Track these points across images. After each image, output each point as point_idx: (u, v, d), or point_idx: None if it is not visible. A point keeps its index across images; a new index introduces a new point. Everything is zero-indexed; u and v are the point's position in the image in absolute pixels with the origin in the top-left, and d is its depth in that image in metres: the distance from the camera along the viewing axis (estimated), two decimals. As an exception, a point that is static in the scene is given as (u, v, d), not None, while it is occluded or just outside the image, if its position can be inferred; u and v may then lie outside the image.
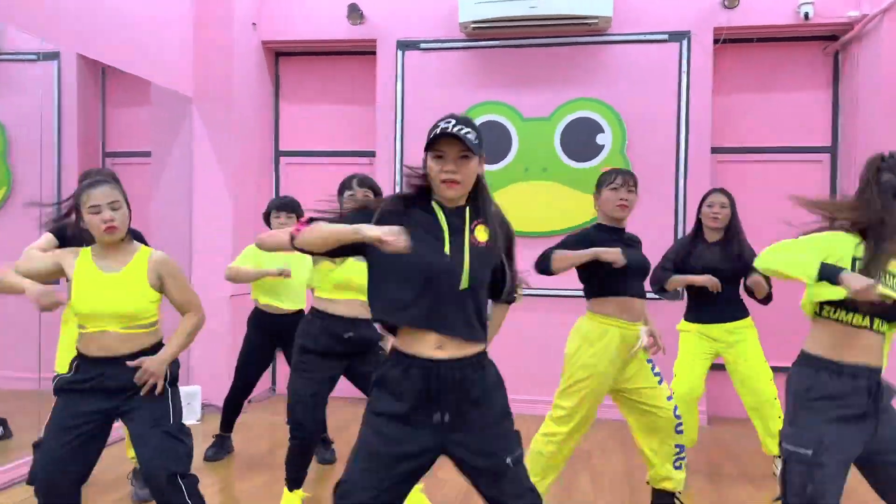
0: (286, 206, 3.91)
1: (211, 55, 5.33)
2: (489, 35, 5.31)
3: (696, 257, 3.75)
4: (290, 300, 4.02)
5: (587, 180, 5.21)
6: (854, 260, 2.06)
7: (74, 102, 5.92)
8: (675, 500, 3.15)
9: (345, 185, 3.15)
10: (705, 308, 3.76)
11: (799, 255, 2.06)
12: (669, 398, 3.04)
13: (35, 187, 5.60)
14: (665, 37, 5.18)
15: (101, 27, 4.45)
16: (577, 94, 5.27)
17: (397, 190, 5.29)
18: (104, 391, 2.39)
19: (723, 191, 3.83)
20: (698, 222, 3.87)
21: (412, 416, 1.87)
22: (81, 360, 2.44)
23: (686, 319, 3.89)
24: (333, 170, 5.67)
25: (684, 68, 5.16)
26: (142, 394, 2.40)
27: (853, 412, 2.07)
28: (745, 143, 5.36)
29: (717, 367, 3.92)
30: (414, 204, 1.99)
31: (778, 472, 3.30)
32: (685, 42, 5.15)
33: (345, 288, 3.11)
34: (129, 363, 2.39)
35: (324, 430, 3.48)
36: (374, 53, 5.61)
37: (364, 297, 2.75)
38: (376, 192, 3.14)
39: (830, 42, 5.24)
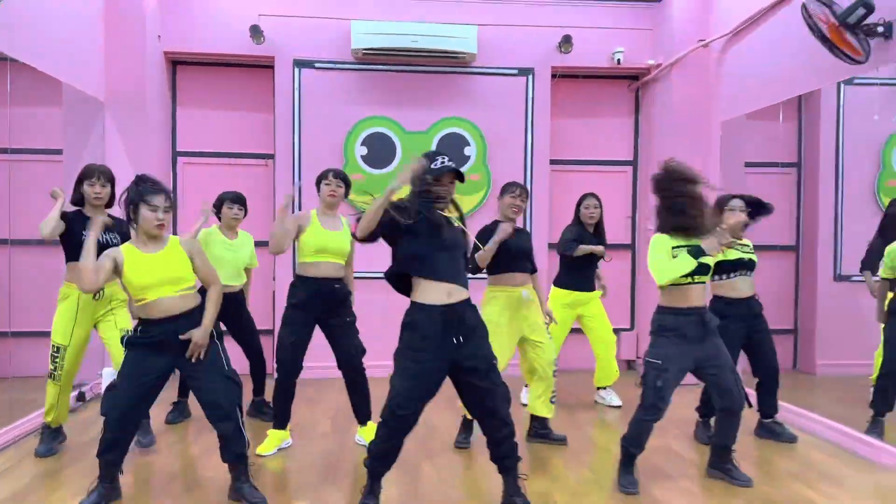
0: (238, 200, 4.75)
1: (121, 63, 5.81)
2: (377, 60, 6.33)
3: (591, 243, 5.08)
4: (230, 278, 4.72)
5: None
6: (672, 248, 3.44)
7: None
8: (548, 426, 4.40)
9: (322, 177, 4.17)
10: (577, 279, 5.11)
11: (670, 262, 3.38)
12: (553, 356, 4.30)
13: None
14: (515, 71, 6.53)
15: (18, 28, 4.69)
16: (449, 114, 6.47)
17: (295, 187, 6.18)
18: (169, 346, 3.15)
19: (594, 195, 5.18)
20: (577, 216, 5.18)
21: (437, 343, 2.92)
22: (144, 323, 3.18)
23: (555, 285, 5.22)
24: (228, 169, 6.43)
25: (530, 96, 6.55)
26: (192, 361, 3.18)
27: (688, 337, 3.45)
28: (573, 157, 6.87)
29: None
30: (420, 203, 3.00)
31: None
32: (531, 76, 6.54)
33: (322, 252, 4.03)
34: (180, 336, 3.14)
35: (299, 371, 4.15)
36: (270, 67, 6.39)
37: (337, 260, 3.84)
38: (346, 181, 4.18)
39: (633, 81, 6.90)
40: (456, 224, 3.10)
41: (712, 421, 4.10)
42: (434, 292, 2.95)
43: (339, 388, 4.63)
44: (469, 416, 4.21)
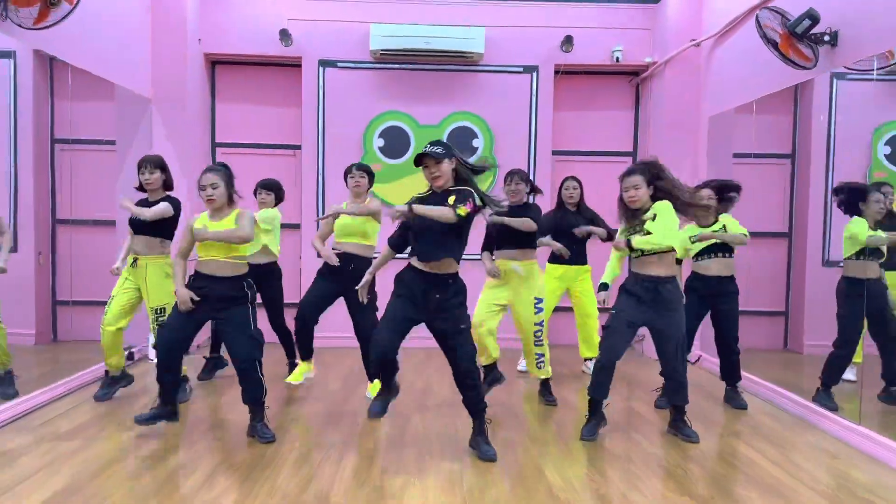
0: (262, 185, 5.49)
1: (166, 64, 6.57)
2: (393, 60, 6.97)
3: (560, 220, 5.63)
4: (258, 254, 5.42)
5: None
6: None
7: (30, 96, 6.90)
8: (546, 386, 5.04)
9: (347, 171, 4.94)
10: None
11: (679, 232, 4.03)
12: (537, 323, 4.85)
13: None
14: (521, 69, 7.09)
15: (78, 37, 5.51)
16: (458, 108, 7.09)
17: (321, 175, 6.88)
18: (207, 299, 3.89)
19: (574, 178, 5.75)
20: (559, 199, 5.76)
21: (417, 298, 3.63)
22: (196, 275, 3.95)
23: (549, 261, 5.76)
24: (260, 159, 7.15)
25: (534, 92, 7.10)
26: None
27: (640, 298, 4.04)
28: (575, 148, 7.40)
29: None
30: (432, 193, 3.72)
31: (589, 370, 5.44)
32: (535, 73, 7.09)
33: (347, 234, 4.81)
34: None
35: (314, 323, 4.95)
36: (297, 66, 7.09)
37: (361, 240, 4.53)
38: (368, 172, 4.90)
39: (634, 77, 7.39)
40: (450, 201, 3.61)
41: None
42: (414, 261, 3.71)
43: (355, 357, 5.32)
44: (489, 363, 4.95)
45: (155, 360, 4.04)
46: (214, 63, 7.28)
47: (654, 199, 4.04)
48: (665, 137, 6.78)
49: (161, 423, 4.12)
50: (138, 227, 4.64)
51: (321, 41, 6.99)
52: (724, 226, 4.97)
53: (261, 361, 3.99)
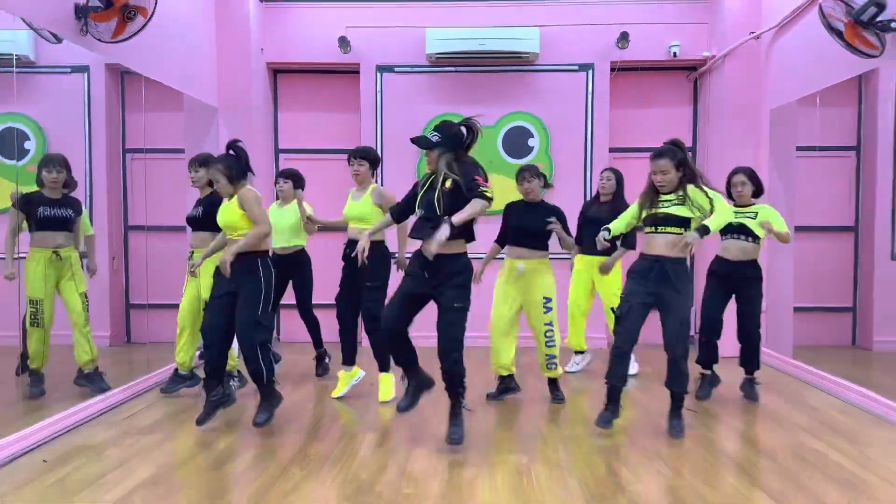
0: (282, 174, 5.70)
1: (232, 74, 6.81)
2: (449, 63, 7.07)
3: (594, 212, 5.54)
4: (284, 240, 5.60)
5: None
6: None
7: (102, 108, 7.24)
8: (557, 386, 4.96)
9: (348, 159, 4.97)
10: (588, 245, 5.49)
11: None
12: (547, 324, 4.77)
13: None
14: (576, 67, 7.10)
15: (150, 50, 5.79)
16: (514, 109, 7.14)
17: (380, 178, 7.01)
18: (228, 276, 4.05)
19: (611, 169, 5.67)
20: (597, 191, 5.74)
21: (419, 273, 3.77)
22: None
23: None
24: (320, 164, 7.33)
25: (590, 90, 7.10)
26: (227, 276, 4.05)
27: (646, 274, 4.01)
28: (632, 145, 7.35)
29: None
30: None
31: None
32: (590, 71, 7.09)
33: (357, 220, 4.86)
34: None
35: (343, 315, 4.97)
36: (357, 73, 7.25)
37: (359, 225, 4.78)
38: (366, 156, 4.93)
39: (692, 71, 7.31)
40: (447, 185, 3.72)
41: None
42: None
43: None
44: (504, 374, 4.92)
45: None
46: (276, 72, 7.50)
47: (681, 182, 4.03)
48: (725, 132, 6.69)
49: (232, 418, 4.29)
50: (196, 223, 4.97)
51: (379, 47, 7.13)
52: (755, 213, 4.84)
53: (266, 346, 4.06)
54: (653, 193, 4.09)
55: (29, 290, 4.69)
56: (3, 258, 4.60)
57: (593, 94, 7.09)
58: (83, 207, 5.24)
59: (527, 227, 4.75)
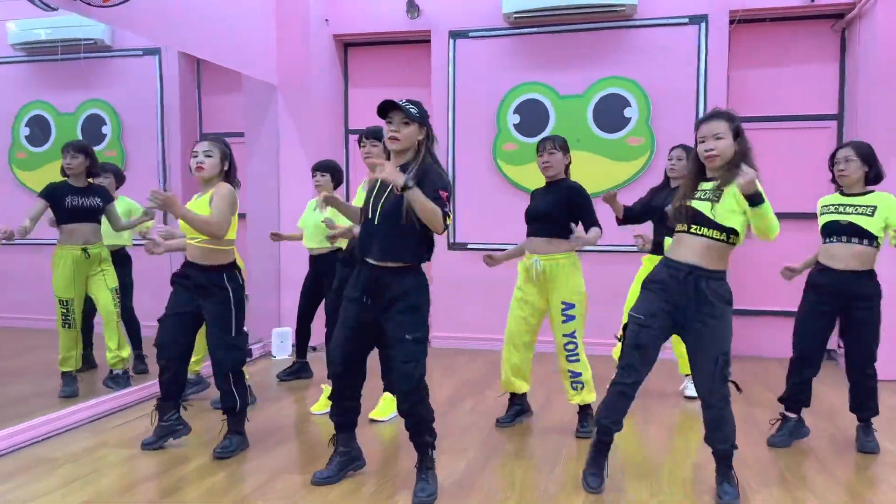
0: (317, 167, 4.97)
1: (291, 49, 6.26)
2: (529, 23, 6.09)
3: (663, 200, 4.22)
4: (310, 240, 5.00)
5: (616, 150, 6.01)
6: None
7: (176, 91, 6.98)
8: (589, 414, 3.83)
9: (358, 142, 4.09)
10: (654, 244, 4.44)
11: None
12: (567, 335, 3.76)
13: (144, 162, 6.73)
14: (685, 20, 5.87)
15: (199, 28, 5.27)
16: (607, 73, 6.03)
17: (451, 157, 6.22)
18: (189, 288, 3.41)
19: (682, 146, 4.43)
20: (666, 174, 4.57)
21: (357, 294, 2.94)
22: (185, 263, 3.48)
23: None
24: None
25: (702, 47, 5.85)
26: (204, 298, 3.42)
27: (666, 286, 2.90)
28: (760, 113, 6.01)
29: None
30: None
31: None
32: (703, 24, 5.84)
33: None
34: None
35: None
36: (428, 42, 6.45)
37: None
38: (379, 137, 3.85)
39: (837, 20, 5.84)
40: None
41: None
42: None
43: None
44: (519, 392, 4.03)
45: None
46: (347, 45, 6.88)
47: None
48: (880, 94, 5.23)
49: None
50: None
51: (450, 10, 6.29)
52: (873, 207, 3.48)
53: (238, 372, 3.46)
54: (697, 177, 2.97)
55: (57, 290, 4.55)
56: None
57: (707, 53, 5.83)
58: (112, 195, 4.92)
59: (535, 208, 3.84)
